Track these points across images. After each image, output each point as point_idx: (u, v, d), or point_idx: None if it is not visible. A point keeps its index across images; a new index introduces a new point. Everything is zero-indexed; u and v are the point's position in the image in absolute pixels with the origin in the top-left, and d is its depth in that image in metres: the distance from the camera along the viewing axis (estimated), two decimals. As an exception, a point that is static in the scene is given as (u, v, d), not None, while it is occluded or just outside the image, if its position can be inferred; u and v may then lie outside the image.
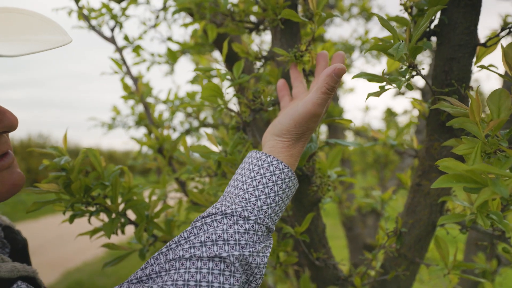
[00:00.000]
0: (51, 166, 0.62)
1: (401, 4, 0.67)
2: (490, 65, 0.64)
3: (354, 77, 0.55)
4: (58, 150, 0.66)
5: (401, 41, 0.50)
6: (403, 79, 0.55)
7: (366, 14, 1.96)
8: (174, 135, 1.36)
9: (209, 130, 1.63)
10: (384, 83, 0.56)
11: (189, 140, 1.81)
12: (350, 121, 0.62)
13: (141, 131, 1.59)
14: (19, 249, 0.64)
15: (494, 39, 0.65)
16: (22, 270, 0.56)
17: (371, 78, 0.54)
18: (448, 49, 0.65)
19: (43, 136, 11.56)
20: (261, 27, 0.85)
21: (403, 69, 0.55)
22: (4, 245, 0.64)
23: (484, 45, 0.66)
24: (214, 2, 0.80)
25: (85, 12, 0.96)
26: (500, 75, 0.54)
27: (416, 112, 2.32)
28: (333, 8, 2.11)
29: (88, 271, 4.52)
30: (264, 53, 0.78)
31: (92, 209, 0.67)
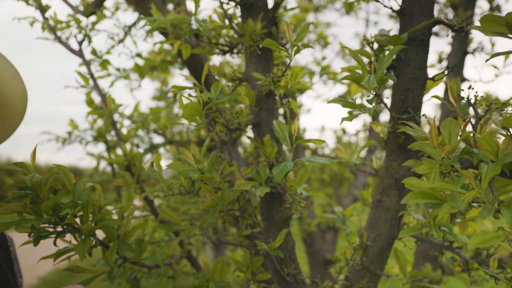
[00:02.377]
0: (18, 183, 0.58)
1: (364, 40, 0.75)
2: (435, 96, 0.74)
3: (329, 102, 0.61)
4: (24, 167, 0.62)
5: (370, 74, 0.57)
6: (371, 106, 0.61)
7: (323, 42, 2.10)
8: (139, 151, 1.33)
9: (169, 147, 1.61)
10: (356, 109, 0.62)
11: (149, 156, 1.76)
12: (323, 141, 0.67)
13: (100, 147, 1.53)
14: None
15: (440, 74, 0.76)
16: None
17: (345, 104, 0.60)
18: (404, 81, 0.75)
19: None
20: (235, 50, 0.88)
21: (370, 98, 0.62)
22: None
23: (432, 79, 0.76)
24: (191, 25, 0.83)
25: (51, 22, 0.93)
26: (448, 105, 0.63)
27: (366, 133, 2.50)
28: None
29: (46, 288, 4.12)
30: (239, 75, 0.81)
31: (61, 230, 0.63)
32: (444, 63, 2.11)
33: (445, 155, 0.53)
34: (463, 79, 2.01)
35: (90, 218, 0.67)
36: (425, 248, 1.32)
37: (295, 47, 0.63)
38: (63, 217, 0.64)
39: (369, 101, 0.62)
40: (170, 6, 1.10)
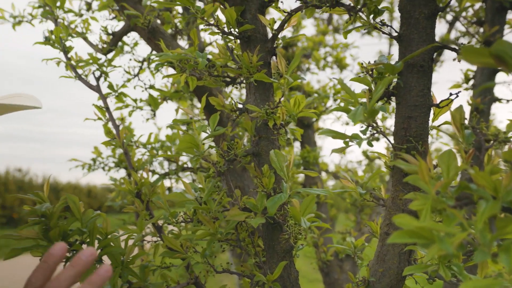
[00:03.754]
0: (31, 212, 0.63)
1: (362, 68, 0.75)
2: (446, 122, 0.71)
3: (320, 133, 0.61)
4: (39, 196, 0.67)
5: (359, 106, 0.56)
6: (364, 137, 0.60)
7: (339, 64, 2.10)
8: (154, 177, 1.37)
9: (187, 174, 1.65)
10: (347, 140, 0.61)
11: (168, 182, 1.81)
12: (316, 173, 0.66)
13: (121, 173, 1.60)
14: None
15: (445, 101, 0.73)
16: None
17: (335, 135, 0.59)
18: (405, 108, 0.73)
19: (22, 171, 11.20)
20: (238, 80, 0.91)
21: (363, 128, 0.61)
22: None
23: (437, 106, 0.74)
24: (194, 59, 0.87)
25: (73, 62, 1.01)
26: (449, 134, 0.61)
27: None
28: (309, 57, 2.26)
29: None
30: (240, 106, 0.83)
31: (69, 255, 0.66)
32: (472, 82, 2.02)
33: (440, 190, 0.50)
34: (494, 99, 1.90)
35: (96, 245, 0.70)
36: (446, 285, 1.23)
37: (286, 80, 0.64)
38: (71, 243, 0.68)
39: (363, 132, 0.61)
40: (182, 42, 1.16)
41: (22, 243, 0.66)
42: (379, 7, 0.72)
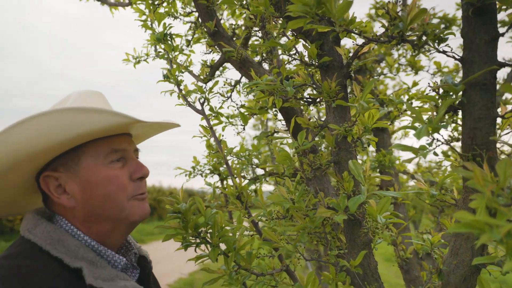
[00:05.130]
0: (173, 209, 0.90)
1: (429, 86, 0.87)
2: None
3: (390, 147, 0.75)
4: (176, 198, 0.94)
5: (424, 125, 0.70)
6: (430, 148, 0.73)
7: (415, 68, 2.12)
8: (244, 182, 1.62)
9: (271, 178, 1.87)
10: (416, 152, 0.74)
11: (254, 186, 2.05)
12: (389, 178, 0.81)
13: (215, 178, 1.88)
14: (145, 274, 0.91)
15: (509, 113, 0.81)
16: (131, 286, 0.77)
17: (404, 148, 0.74)
18: (470, 121, 0.83)
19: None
20: (317, 101, 1.09)
21: (429, 141, 0.74)
22: (135, 268, 0.91)
23: (503, 117, 0.82)
24: (282, 88, 1.07)
25: (183, 92, 1.30)
26: (508, 145, 0.70)
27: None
28: (381, 61, 2.32)
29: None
30: (321, 123, 1.01)
31: (198, 241, 0.92)
32: None
33: (494, 191, 0.61)
34: None
35: (216, 234, 0.94)
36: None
37: (360, 104, 0.80)
38: (200, 233, 0.93)
39: (428, 144, 0.74)
40: (266, 65, 1.38)
41: (167, 231, 0.93)
42: (443, 35, 0.83)
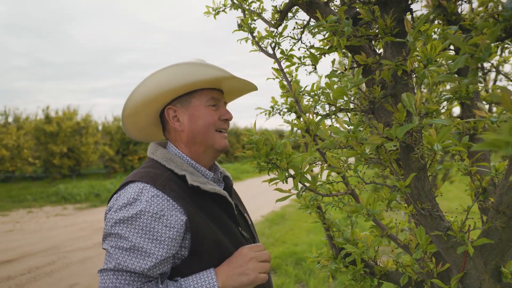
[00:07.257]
0: (248, 141, 1.12)
1: (486, 12, 0.84)
2: None
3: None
4: (250, 132, 1.16)
5: (465, 54, 0.73)
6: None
7: None
8: (318, 118, 1.76)
9: (344, 114, 1.96)
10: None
11: (329, 121, 2.17)
12: (436, 107, 0.86)
13: (292, 116, 2.06)
14: (228, 186, 1.22)
15: None
16: (218, 191, 1.14)
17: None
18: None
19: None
20: (379, 37, 1.12)
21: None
22: (220, 182, 1.22)
23: None
24: (341, 28, 1.13)
25: (256, 39, 1.45)
26: None
27: None
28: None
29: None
30: (378, 59, 1.07)
31: (270, 166, 1.14)
32: None
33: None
34: None
35: (284, 160, 1.15)
36: None
37: (414, 37, 0.85)
38: (271, 159, 1.15)
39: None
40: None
41: (246, 158, 1.17)
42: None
